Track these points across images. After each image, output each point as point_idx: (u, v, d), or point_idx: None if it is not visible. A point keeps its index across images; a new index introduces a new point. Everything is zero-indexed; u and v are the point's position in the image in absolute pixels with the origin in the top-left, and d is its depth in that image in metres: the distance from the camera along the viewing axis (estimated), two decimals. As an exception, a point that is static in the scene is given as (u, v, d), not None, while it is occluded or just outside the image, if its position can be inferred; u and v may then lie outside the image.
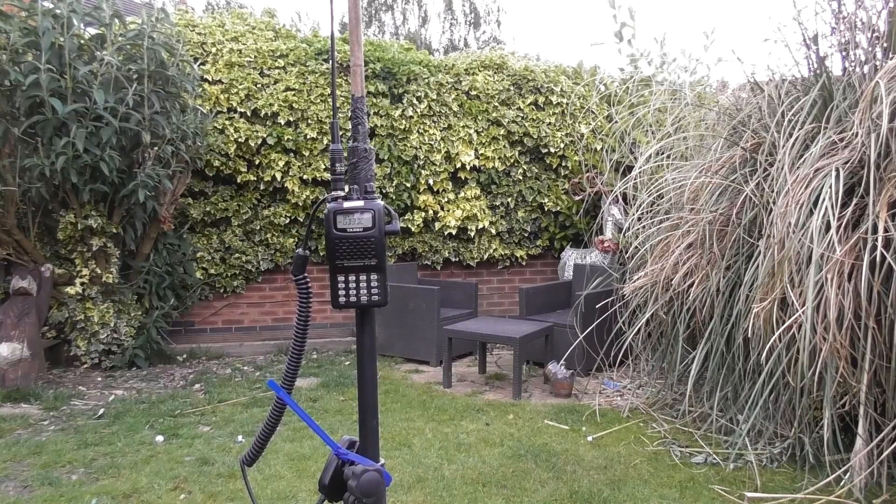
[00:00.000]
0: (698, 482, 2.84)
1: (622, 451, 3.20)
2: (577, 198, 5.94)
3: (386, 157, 5.60)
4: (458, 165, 5.78)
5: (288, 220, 5.51)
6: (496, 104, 5.84)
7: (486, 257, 6.07)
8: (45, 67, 3.88)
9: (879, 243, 2.47)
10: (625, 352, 4.04)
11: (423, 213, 5.78)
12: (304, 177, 5.39)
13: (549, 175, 6.09)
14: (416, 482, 2.82)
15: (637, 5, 5.95)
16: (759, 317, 2.78)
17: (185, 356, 5.21)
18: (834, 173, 2.67)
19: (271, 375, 4.71)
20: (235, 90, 5.16)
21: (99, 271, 4.59)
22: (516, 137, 5.90)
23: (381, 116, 5.53)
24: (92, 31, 4.33)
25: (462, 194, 5.88)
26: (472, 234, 5.94)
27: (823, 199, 2.63)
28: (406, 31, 21.39)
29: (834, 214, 2.58)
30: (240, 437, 3.39)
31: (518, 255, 6.19)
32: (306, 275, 1.17)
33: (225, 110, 5.17)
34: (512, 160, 5.93)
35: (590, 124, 6.06)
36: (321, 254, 5.62)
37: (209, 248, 5.37)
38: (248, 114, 5.22)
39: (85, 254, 4.59)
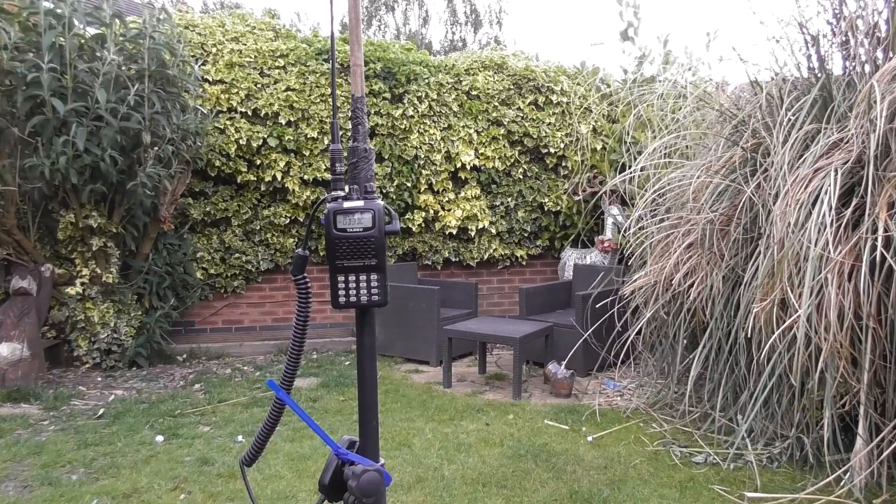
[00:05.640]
0: (698, 482, 2.84)
1: (622, 451, 3.20)
2: (577, 198, 5.94)
3: (386, 157, 5.60)
4: (459, 165, 5.78)
5: (288, 221, 5.51)
6: (496, 104, 5.84)
7: (486, 257, 6.07)
8: (47, 67, 3.88)
9: (879, 243, 2.47)
10: (625, 352, 4.04)
11: (424, 213, 5.78)
12: (305, 177, 5.40)
13: (549, 175, 6.09)
14: (416, 482, 2.82)
15: (643, 3, 5.97)
16: (759, 317, 2.78)
17: (185, 356, 5.21)
18: (833, 173, 2.67)
19: (271, 375, 4.71)
20: (236, 90, 5.16)
21: (99, 271, 4.59)
22: (516, 137, 5.90)
23: (381, 116, 5.53)
24: (93, 30, 4.33)
25: (462, 194, 5.88)
26: (473, 233, 5.94)
27: (823, 199, 2.63)
28: (407, 32, 21.39)
29: (831, 214, 2.58)
30: (240, 437, 3.39)
31: (518, 255, 6.18)
32: (306, 275, 1.17)
33: (225, 110, 5.17)
34: (512, 160, 5.94)
35: (590, 124, 6.06)
36: (321, 254, 5.62)
37: (209, 248, 5.37)
38: (249, 114, 5.22)
39: (85, 254, 4.59)
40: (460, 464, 3.03)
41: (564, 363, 4.29)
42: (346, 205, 1.11)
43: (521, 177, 6.01)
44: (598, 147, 6.06)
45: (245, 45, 5.30)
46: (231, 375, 4.72)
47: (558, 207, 6.10)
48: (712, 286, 3.33)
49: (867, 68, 3.10)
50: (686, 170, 3.83)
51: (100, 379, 4.59)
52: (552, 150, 5.97)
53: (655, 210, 4.02)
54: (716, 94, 4.57)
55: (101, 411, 3.83)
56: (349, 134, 1.18)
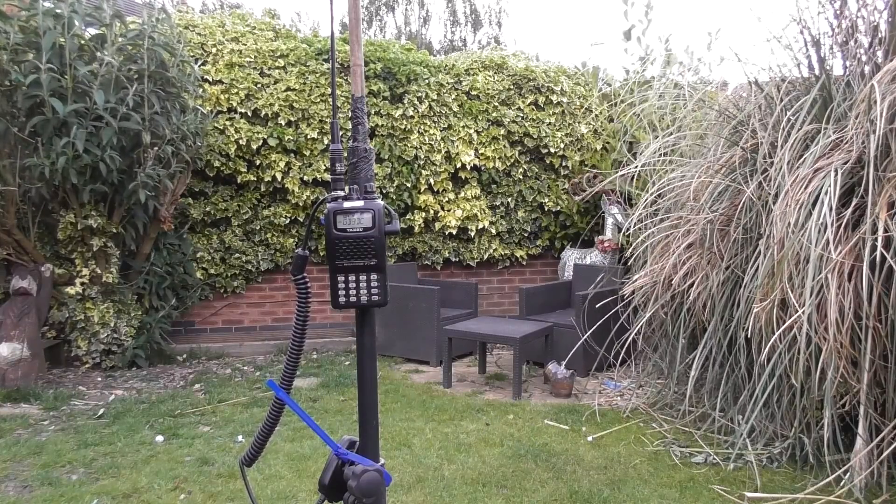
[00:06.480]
0: (698, 482, 2.84)
1: (622, 451, 3.20)
2: (577, 198, 5.94)
3: (386, 157, 5.60)
4: (459, 165, 5.78)
5: (288, 221, 5.51)
6: (496, 104, 5.84)
7: (486, 257, 6.07)
8: (46, 67, 3.88)
9: (879, 243, 2.47)
10: (625, 352, 4.04)
11: (424, 213, 5.78)
12: (305, 177, 5.40)
13: (549, 175, 6.09)
14: (416, 482, 2.82)
15: (653, 2, 5.95)
16: (759, 317, 2.78)
17: (185, 356, 5.21)
18: (833, 174, 2.67)
19: (271, 375, 4.71)
20: (236, 90, 5.16)
21: (99, 271, 4.59)
22: (516, 137, 5.90)
23: (381, 116, 5.53)
24: (92, 31, 4.33)
25: (462, 194, 5.88)
26: (473, 233, 5.94)
27: (823, 200, 2.63)
28: (408, 32, 21.40)
29: (832, 214, 2.58)
30: (240, 437, 3.39)
31: (518, 255, 6.18)
32: (306, 275, 1.17)
33: (225, 110, 5.17)
34: (512, 160, 5.93)
35: (591, 124, 6.06)
36: (321, 254, 5.62)
37: (209, 248, 5.37)
38: (249, 114, 5.22)
39: (85, 254, 4.60)
40: (460, 464, 3.03)
41: (564, 363, 4.29)
42: (346, 205, 1.11)
43: (521, 177, 6.01)
44: (599, 147, 6.06)
45: (245, 45, 5.30)
46: (231, 375, 4.72)
47: (558, 207, 6.10)
48: (712, 286, 3.33)
49: (867, 69, 3.10)
50: (686, 170, 3.83)
51: (100, 379, 4.59)
52: (552, 150, 5.97)
53: (656, 210, 4.02)
54: (716, 95, 4.57)
55: (101, 411, 3.83)
56: (349, 134, 1.18)
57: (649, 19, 5.97)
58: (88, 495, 2.69)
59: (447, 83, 5.75)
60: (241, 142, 5.15)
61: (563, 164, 6.06)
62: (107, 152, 4.17)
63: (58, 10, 4.00)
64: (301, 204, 5.47)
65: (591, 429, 3.52)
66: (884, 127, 2.55)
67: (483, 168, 5.88)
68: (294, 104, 5.28)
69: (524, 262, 6.28)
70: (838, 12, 3.23)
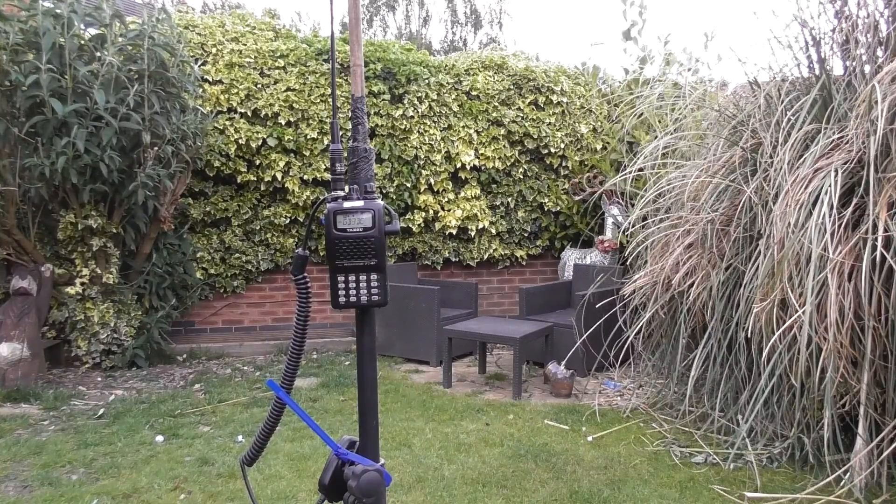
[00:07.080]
0: (698, 482, 2.84)
1: (622, 451, 3.20)
2: (577, 198, 5.94)
3: (386, 157, 5.60)
4: (459, 165, 5.78)
5: (288, 221, 5.51)
6: (496, 104, 5.84)
7: (486, 257, 6.07)
8: (46, 67, 3.88)
9: (879, 243, 2.47)
10: (625, 352, 4.04)
11: (424, 213, 5.78)
12: (305, 177, 5.40)
13: (549, 175, 6.09)
14: (416, 482, 2.82)
15: (647, 3, 5.98)
16: (759, 317, 2.78)
17: (185, 356, 5.21)
18: (833, 174, 2.67)
19: (271, 375, 4.71)
20: (236, 90, 5.16)
21: (99, 271, 4.59)
22: (516, 137, 5.90)
23: (381, 116, 5.53)
24: (92, 31, 4.33)
25: (462, 194, 5.88)
26: (473, 233, 5.94)
27: (823, 200, 2.63)
28: (408, 32, 21.38)
29: (832, 214, 2.58)
30: (240, 437, 3.39)
31: (518, 255, 6.19)
32: (306, 275, 1.17)
33: (225, 110, 5.17)
34: (512, 160, 5.94)
35: (591, 124, 6.06)
36: (321, 254, 5.62)
37: (209, 248, 5.37)
38: (249, 114, 5.22)
39: (85, 254, 4.60)
40: (460, 464, 3.03)
41: (564, 363, 4.29)
42: (346, 205, 1.11)
43: (521, 177, 6.01)
44: (599, 147, 6.06)
45: (245, 45, 5.30)
46: (231, 375, 4.72)
47: (558, 207, 6.10)
48: (712, 286, 3.33)
49: (867, 69, 3.10)
50: (686, 170, 3.83)
51: (100, 379, 4.59)
52: (552, 150, 5.97)
53: (656, 210, 4.02)
54: (716, 95, 4.57)
55: (101, 411, 3.83)
56: (349, 134, 1.18)
57: (644, 19, 5.98)
58: (88, 495, 2.69)
59: (447, 83, 5.75)
60: (240, 142, 5.16)
61: (563, 164, 6.06)
62: (107, 152, 4.17)
63: (57, 11, 4.00)
64: (301, 204, 5.47)
65: (591, 429, 3.52)
66: (884, 127, 2.55)
67: (483, 168, 5.89)
68: (294, 104, 5.28)
69: (524, 262, 6.28)
70: (838, 12, 3.23)
